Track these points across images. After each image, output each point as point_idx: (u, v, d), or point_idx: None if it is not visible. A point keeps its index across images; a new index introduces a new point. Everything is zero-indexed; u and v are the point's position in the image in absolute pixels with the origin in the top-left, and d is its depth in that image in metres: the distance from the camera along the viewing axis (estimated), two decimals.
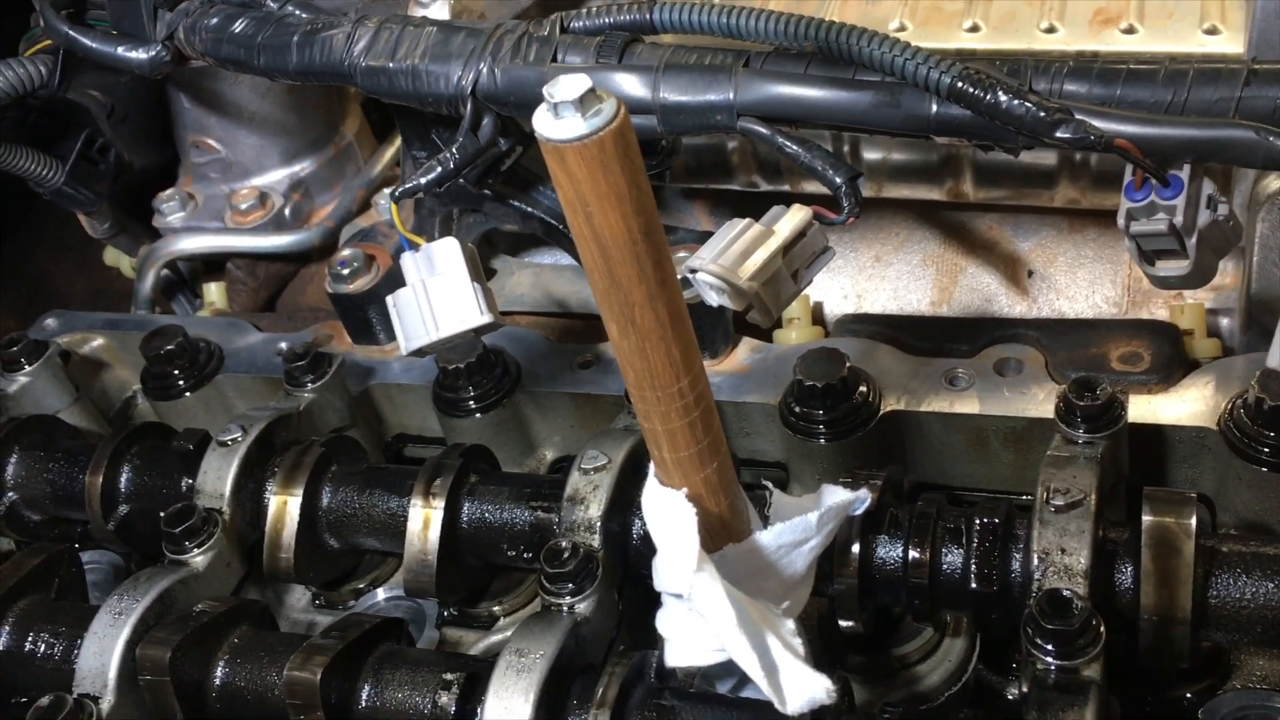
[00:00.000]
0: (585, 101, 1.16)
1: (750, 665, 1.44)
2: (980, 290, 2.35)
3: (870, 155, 2.30)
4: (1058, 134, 1.62)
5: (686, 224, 2.52)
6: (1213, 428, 1.86)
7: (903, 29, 2.19)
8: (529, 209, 2.26)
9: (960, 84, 1.65)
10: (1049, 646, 1.52)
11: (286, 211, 2.79)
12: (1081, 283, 2.31)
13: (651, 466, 1.50)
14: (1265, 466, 1.79)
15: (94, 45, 2.24)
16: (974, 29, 2.15)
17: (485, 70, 1.95)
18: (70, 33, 2.25)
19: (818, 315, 2.38)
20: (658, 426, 1.41)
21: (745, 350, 2.18)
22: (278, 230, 2.77)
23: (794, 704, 1.44)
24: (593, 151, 1.17)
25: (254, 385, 2.39)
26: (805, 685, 1.44)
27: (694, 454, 1.44)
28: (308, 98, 2.77)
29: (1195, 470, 1.92)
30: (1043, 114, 1.63)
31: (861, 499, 1.68)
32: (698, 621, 1.51)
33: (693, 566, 1.46)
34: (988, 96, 1.64)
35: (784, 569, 1.60)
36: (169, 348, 2.38)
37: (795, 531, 1.58)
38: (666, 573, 1.53)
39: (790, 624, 1.53)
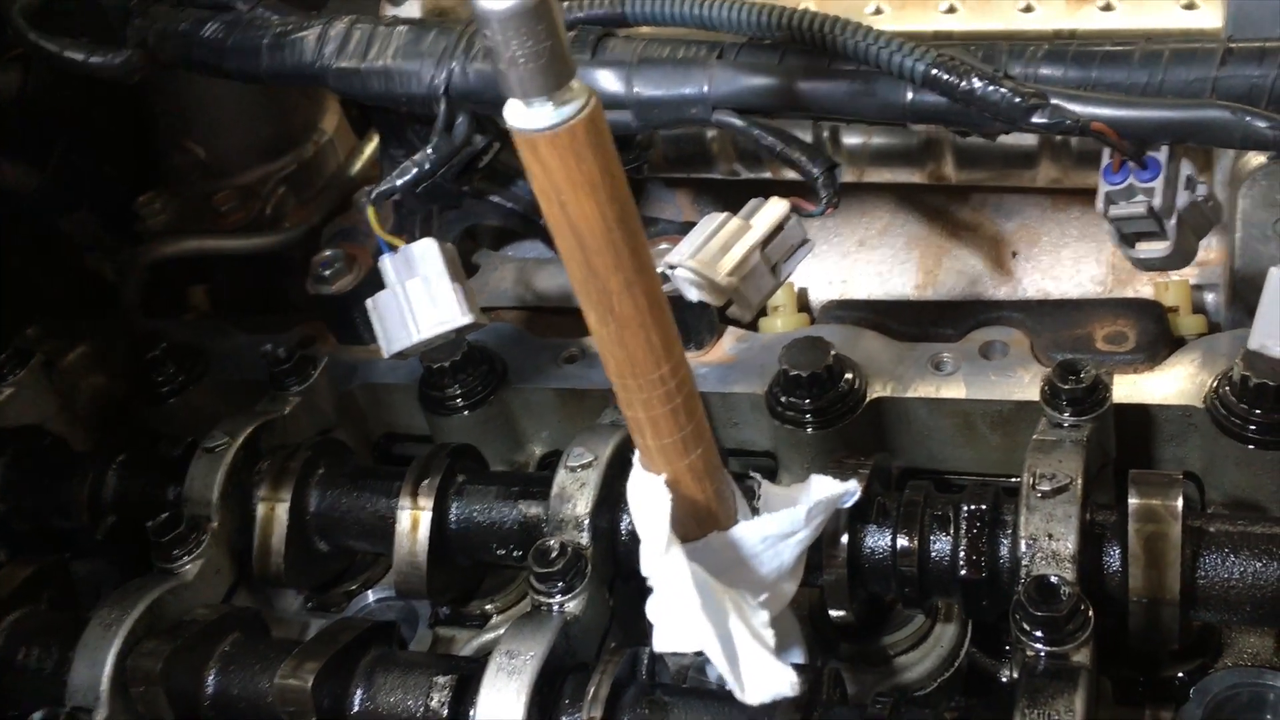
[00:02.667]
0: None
1: (713, 652, 1.44)
2: (965, 273, 2.34)
3: (851, 140, 2.29)
4: (1033, 119, 1.62)
5: (668, 214, 2.51)
6: (1199, 406, 1.86)
7: (879, 13, 2.17)
8: (508, 204, 2.25)
9: (935, 71, 1.64)
10: (1038, 633, 1.52)
11: (268, 211, 2.77)
12: (1066, 262, 2.30)
13: (636, 454, 1.50)
14: (1252, 444, 1.80)
15: (63, 53, 2.22)
16: (951, 10, 2.13)
17: (458, 68, 1.94)
18: (39, 41, 2.23)
19: (803, 302, 2.37)
20: (640, 414, 1.41)
21: (730, 340, 2.18)
22: (259, 231, 2.75)
23: (754, 694, 1.43)
24: (564, 140, 1.17)
25: (240, 389, 2.38)
26: (768, 676, 1.43)
27: (677, 441, 1.44)
28: (285, 96, 2.74)
29: (1183, 449, 1.92)
30: (1018, 99, 1.62)
31: (851, 491, 1.67)
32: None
33: (662, 549, 1.45)
34: (962, 83, 1.63)
35: (770, 560, 1.59)
36: (154, 353, 2.37)
37: (783, 523, 1.58)
38: (643, 556, 1.53)
39: (764, 615, 1.52)
